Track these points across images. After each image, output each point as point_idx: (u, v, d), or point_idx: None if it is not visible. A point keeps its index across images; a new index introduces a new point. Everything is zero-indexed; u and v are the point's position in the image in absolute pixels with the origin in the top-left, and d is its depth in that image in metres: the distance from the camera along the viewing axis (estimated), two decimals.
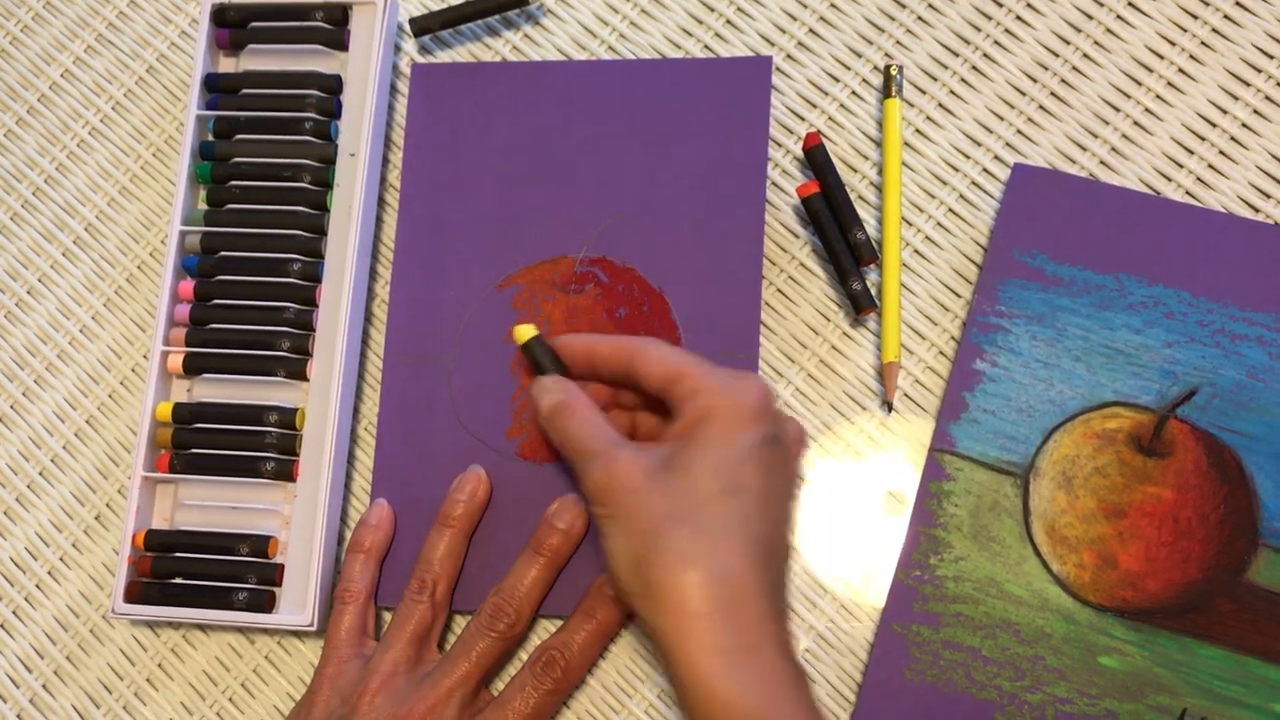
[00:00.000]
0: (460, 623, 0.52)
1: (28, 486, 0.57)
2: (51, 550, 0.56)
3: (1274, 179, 0.51)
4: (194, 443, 0.53)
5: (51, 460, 0.57)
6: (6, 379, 0.58)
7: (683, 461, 0.42)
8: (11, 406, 0.58)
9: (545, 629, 0.51)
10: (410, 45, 0.58)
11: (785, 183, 0.54)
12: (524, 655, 0.51)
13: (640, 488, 0.42)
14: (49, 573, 0.56)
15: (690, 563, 0.40)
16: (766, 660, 0.39)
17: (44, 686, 0.55)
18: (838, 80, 0.55)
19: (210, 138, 0.56)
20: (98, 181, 0.60)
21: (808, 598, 0.50)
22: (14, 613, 0.56)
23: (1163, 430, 0.48)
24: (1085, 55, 0.53)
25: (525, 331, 0.48)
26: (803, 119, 0.54)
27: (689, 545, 0.40)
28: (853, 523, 0.50)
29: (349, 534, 0.53)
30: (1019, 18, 0.54)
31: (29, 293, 0.59)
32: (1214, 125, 0.52)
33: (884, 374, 0.50)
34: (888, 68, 0.53)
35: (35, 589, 0.56)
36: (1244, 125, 0.51)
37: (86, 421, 0.57)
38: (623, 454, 0.43)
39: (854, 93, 0.54)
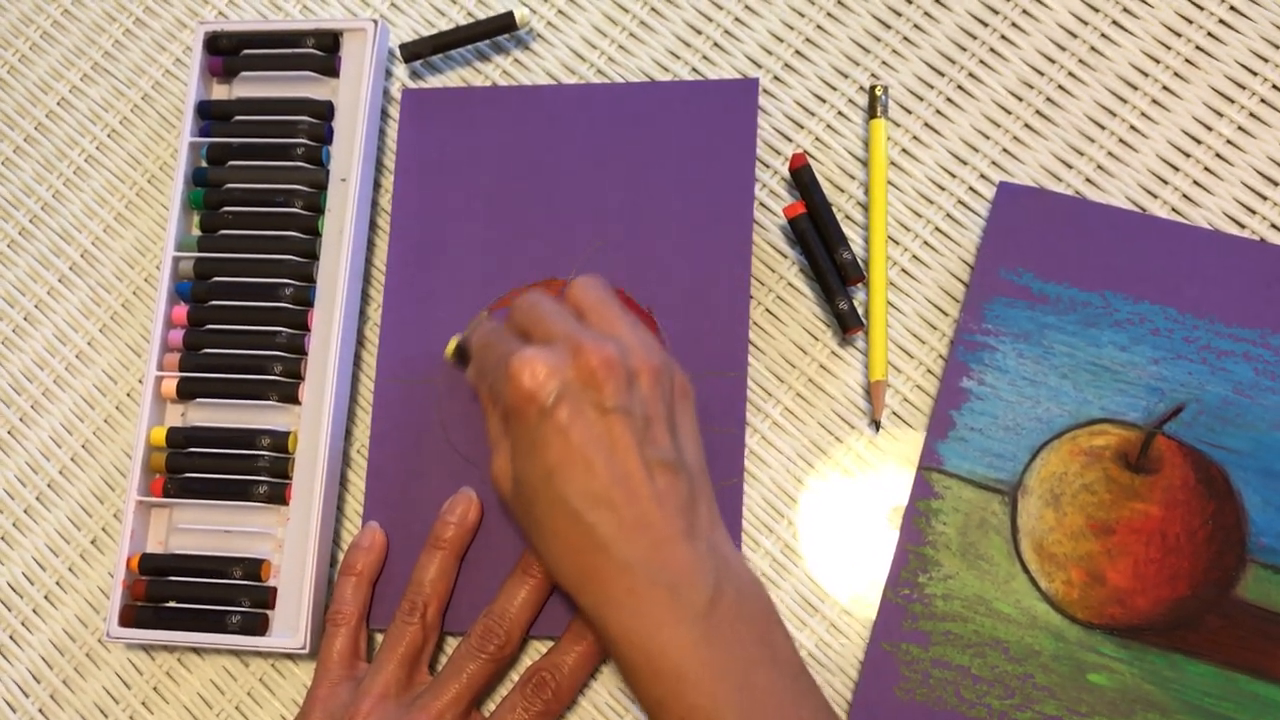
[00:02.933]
0: (451, 644, 0.52)
1: (24, 511, 0.57)
2: (48, 574, 0.56)
3: (1259, 195, 0.51)
4: (188, 467, 0.53)
5: (48, 485, 0.57)
6: (3, 405, 0.59)
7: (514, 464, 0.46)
8: (8, 432, 0.58)
9: (536, 650, 0.51)
10: (401, 70, 0.59)
11: (773, 203, 0.54)
12: (515, 676, 0.51)
13: (507, 493, 0.47)
14: (45, 597, 0.56)
15: (553, 561, 0.44)
16: (654, 598, 0.42)
17: (40, 711, 0.55)
18: (824, 101, 0.55)
19: (203, 164, 0.57)
20: (93, 208, 0.60)
21: (797, 616, 0.50)
22: (10, 637, 0.56)
23: (1150, 447, 0.48)
24: (1070, 74, 0.53)
25: (451, 345, 0.53)
26: (790, 140, 0.55)
27: (544, 548, 0.45)
28: (841, 541, 0.50)
29: (341, 557, 0.53)
30: (1004, 37, 0.54)
31: (26, 319, 0.60)
32: (1199, 142, 0.52)
33: (871, 393, 0.51)
34: (873, 88, 0.53)
35: (32, 613, 0.56)
36: (1229, 141, 0.52)
37: (82, 446, 0.58)
38: (495, 459, 0.47)
39: (840, 113, 0.55)
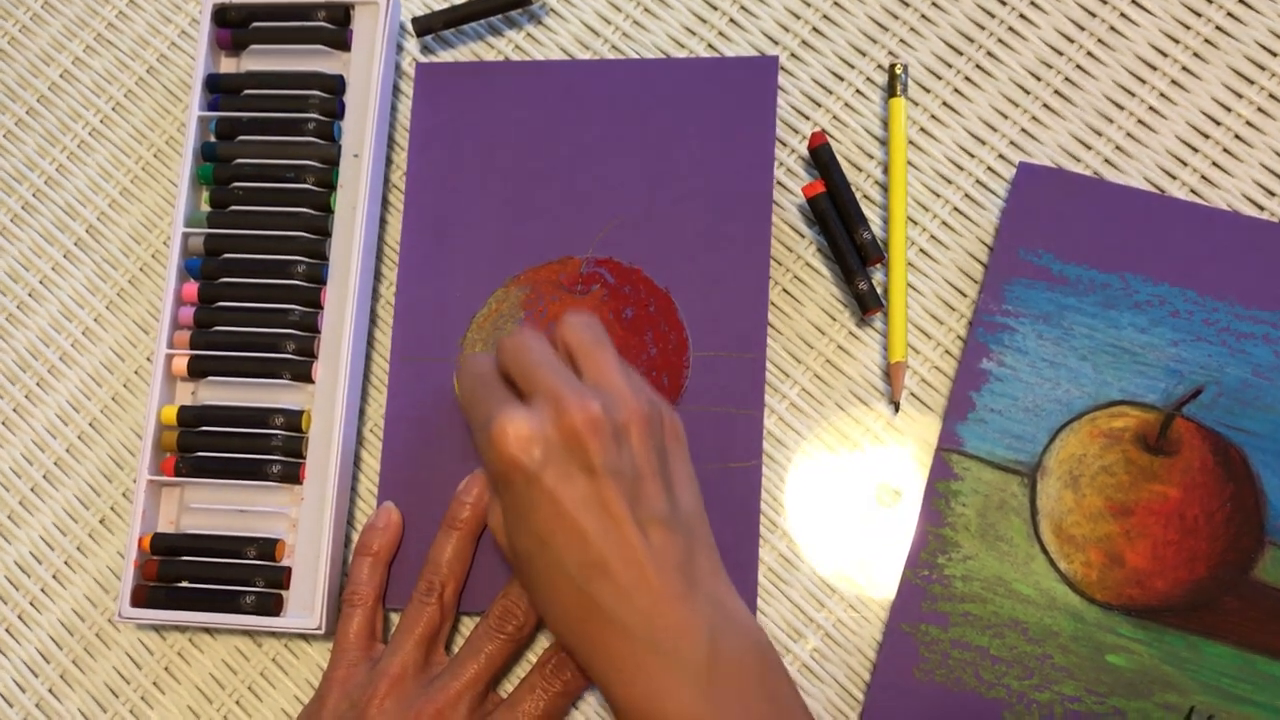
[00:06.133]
0: (467, 625, 0.52)
1: (31, 490, 0.57)
2: (56, 554, 0.56)
3: (1279, 176, 0.51)
4: (199, 446, 0.53)
5: (55, 464, 0.57)
6: (9, 382, 0.58)
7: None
8: (15, 410, 0.58)
9: None
10: (412, 45, 0.58)
11: (790, 182, 0.54)
12: (532, 657, 0.51)
13: (504, 549, 0.46)
14: (54, 577, 0.56)
15: (553, 622, 0.44)
16: (654, 661, 0.41)
17: (50, 691, 0.54)
18: (842, 79, 0.55)
19: (212, 139, 0.56)
20: (98, 183, 0.59)
21: (815, 597, 0.50)
22: (19, 617, 0.55)
23: (1169, 429, 0.48)
24: (1089, 53, 0.53)
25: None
26: (807, 118, 0.54)
27: (543, 610, 0.45)
28: (860, 522, 0.50)
29: (356, 537, 0.53)
30: (1023, 16, 0.54)
31: (30, 295, 0.59)
32: (1218, 123, 0.52)
33: (891, 374, 0.51)
34: (892, 66, 0.52)
35: (40, 593, 0.55)
36: (1248, 123, 0.51)
37: (90, 425, 0.57)
38: (491, 514, 0.47)
39: (858, 91, 0.54)
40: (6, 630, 0.55)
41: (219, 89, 0.56)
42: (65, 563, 0.56)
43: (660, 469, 0.43)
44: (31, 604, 0.55)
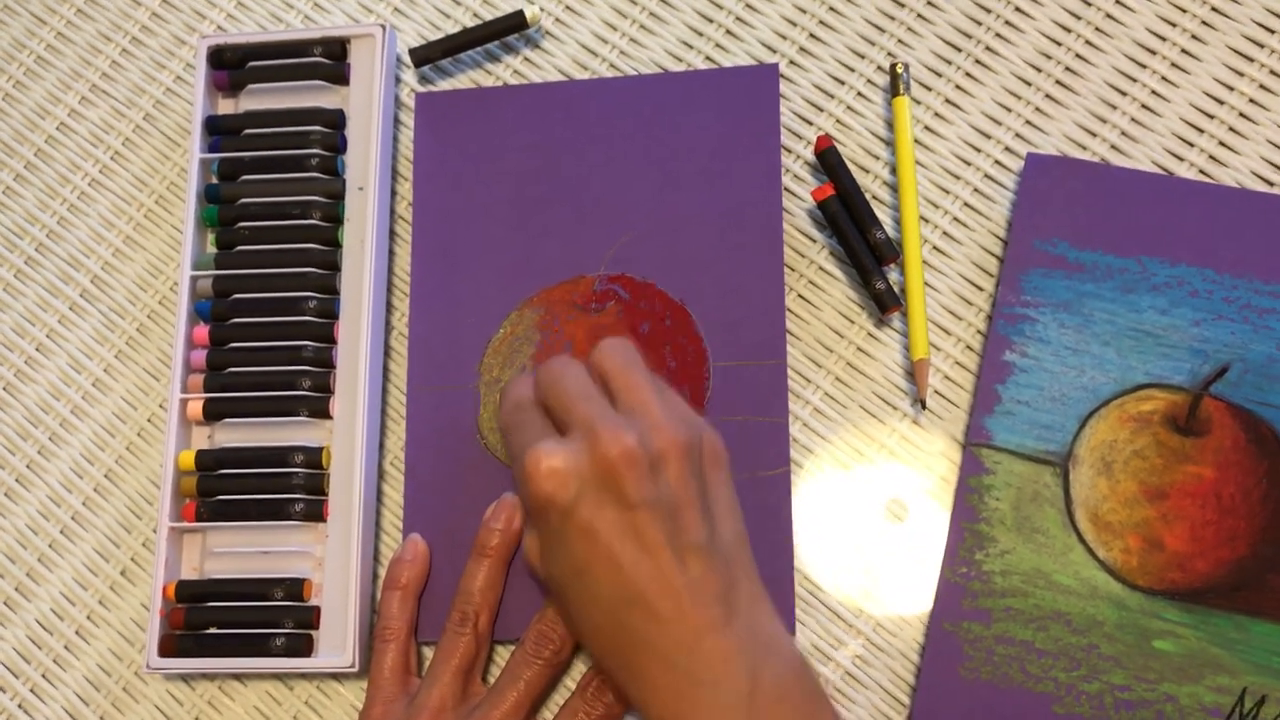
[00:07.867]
0: (501, 653, 0.51)
1: (49, 546, 0.56)
2: (78, 609, 0.55)
3: None
4: (220, 489, 0.52)
5: (72, 517, 0.56)
6: (20, 438, 0.57)
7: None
8: (28, 466, 0.57)
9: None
10: (410, 75, 0.58)
11: (797, 188, 0.54)
12: (570, 683, 0.50)
13: (539, 574, 0.46)
14: (76, 632, 0.55)
15: (592, 649, 0.44)
16: (694, 692, 0.41)
17: None
18: (842, 83, 0.55)
19: (215, 180, 0.55)
20: (101, 233, 0.59)
21: (854, 602, 0.49)
22: (43, 675, 0.54)
23: (1198, 409, 0.48)
24: (1088, 41, 0.53)
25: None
26: (810, 123, 0.54)
27: (581, 638, 0.45)
28: (893, 522, 0.50)
29: (382, 572, 0.52)
30: (1018, 8, 0.54)
31: (38, 349, 0.58)
32: (1221, 103, 0.52)
33: (915, 372, 0.50)
34: (893, 66, 0.52)
35: (64, 650, 0.54)
36: (1251, 100, 0.51)
37: (105, 476, 0.56)
38: (527, 538, 0.48)
39: (860, 94, 0.54)
40: (32, 690, 0.54)
41: (219, 130, 0.56)
42: (88, 617, 0.55)
43: (699, 496, 0.42)
44: (55, 662, 0.54)
